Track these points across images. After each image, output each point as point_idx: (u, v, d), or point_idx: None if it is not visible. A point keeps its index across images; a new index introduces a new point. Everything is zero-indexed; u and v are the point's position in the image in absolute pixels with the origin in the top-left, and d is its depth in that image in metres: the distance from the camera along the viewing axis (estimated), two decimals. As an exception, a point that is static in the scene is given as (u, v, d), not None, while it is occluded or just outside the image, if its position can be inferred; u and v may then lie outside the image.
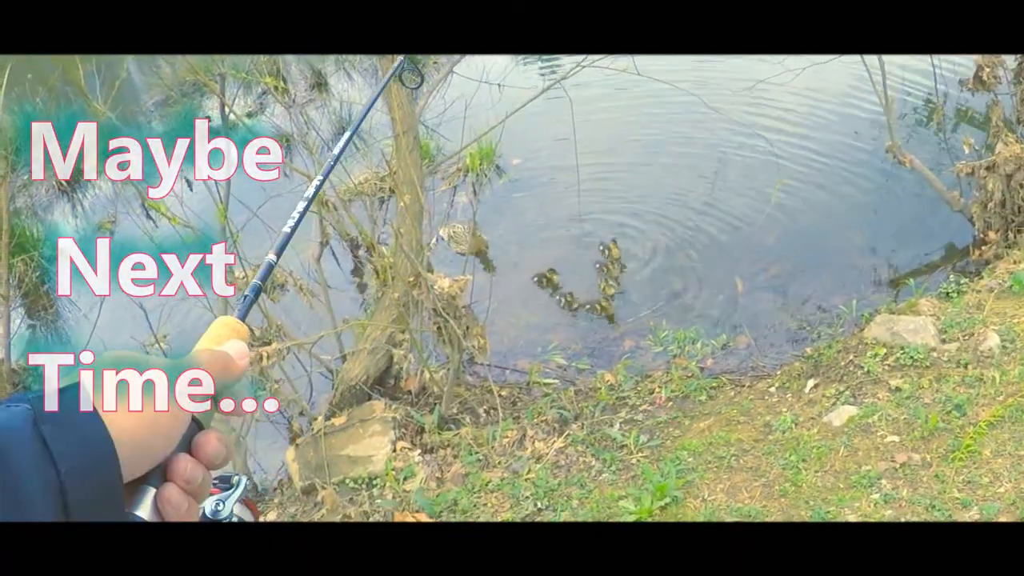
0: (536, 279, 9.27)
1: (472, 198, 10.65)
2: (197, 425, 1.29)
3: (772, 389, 7.29)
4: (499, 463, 7.06)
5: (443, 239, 9.72)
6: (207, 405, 1.30)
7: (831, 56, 8.70)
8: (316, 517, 7.01)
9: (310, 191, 1.94)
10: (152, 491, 1.21)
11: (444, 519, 6.61)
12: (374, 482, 7.17)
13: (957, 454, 5.78)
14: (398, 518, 6.68)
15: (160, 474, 1.22)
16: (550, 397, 7.67)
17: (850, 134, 10.84)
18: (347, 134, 2.09)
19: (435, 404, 7.72)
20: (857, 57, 8.77)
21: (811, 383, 7.15)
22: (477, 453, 7.17)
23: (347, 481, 7.24)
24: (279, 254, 1.80)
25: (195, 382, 1.26)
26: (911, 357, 6.84)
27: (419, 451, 7.35)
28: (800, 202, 9.83)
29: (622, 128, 11.54)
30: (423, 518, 6.63)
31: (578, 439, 7.11)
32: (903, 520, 5.35)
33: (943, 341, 6.99)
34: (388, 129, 8.70)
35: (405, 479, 7.08)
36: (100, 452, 1.11)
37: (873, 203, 9.75)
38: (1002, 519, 5.17)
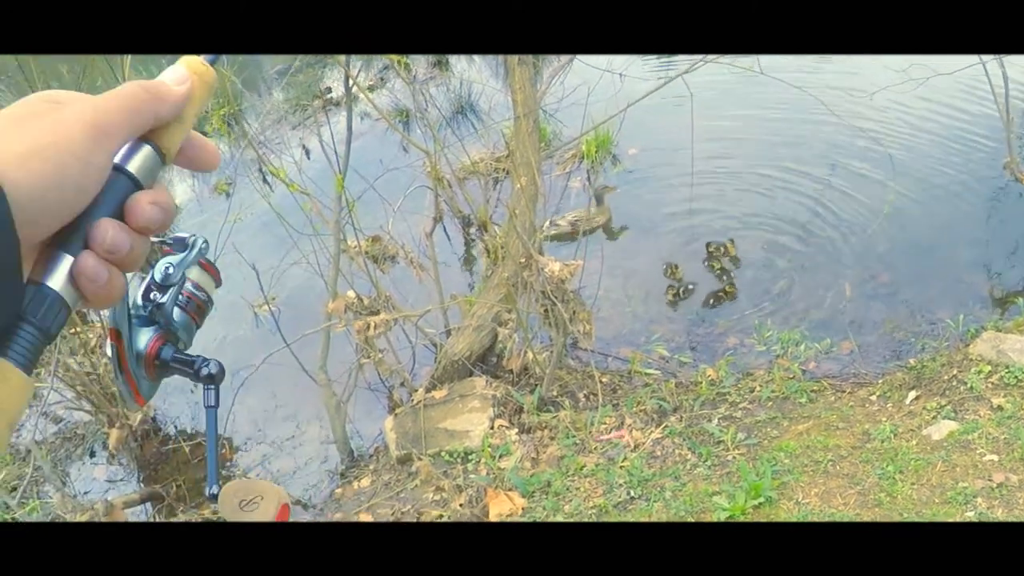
0: (664, 268, 9.26)
1: (586, 184, 10.69)
2: (134, 183, 1.12)
3: (873, 397, 7.27)
4: (595, 448, 7.11)
5: (563, 229, 9.76)
6: (144, 150, 1.14)
7: (955, 67, 8.67)
8: (410, 487, 7.11)
9: None
10: (69, 259, 1.06)
11: (537, 499, 6.67)
12: (469, 457, 7.26)
13: (1056, 478, 5.76)
14: (490, 495, 6.74)
15: (81, 239, 1.07)
16: (650, 387, 7.72)
17: (967, 148, 10.73)
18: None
19: (536, 385, 7.79)
20: (979, 69, 8.67)
21: (912, 394, 7.12)
22: (574, 437, 7.22)
23: (443, 454, 7.33)
24: None
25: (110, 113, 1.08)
26: (1016, 377, 6.80)
27: (516, 430, 7.41)
28: (913, 213, 9.76)
29: (740, 126, 11.49)
30: (515, 496, 6.69)
31: (675, 431, 7.14)
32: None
33: (1049, 363, 6.94)
34: (508, 111, 8.76)
35: (500, 456, 7.16)
36: None
37: (987, 219, 9.65)
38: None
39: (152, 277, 1.31)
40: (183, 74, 1.19)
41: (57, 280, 1.05)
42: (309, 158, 10.99)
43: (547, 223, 8.62)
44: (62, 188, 1.02)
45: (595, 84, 8.57)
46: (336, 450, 8.00)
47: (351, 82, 7.90)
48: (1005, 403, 6.60)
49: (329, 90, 13.31)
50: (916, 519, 5.66)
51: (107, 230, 1.06)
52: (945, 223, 9.64)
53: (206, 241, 1.35)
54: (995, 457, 6.10)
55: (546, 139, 10.63)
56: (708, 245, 9.41)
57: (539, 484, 6.80)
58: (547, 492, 6.73)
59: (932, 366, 7.39)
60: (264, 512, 1.44)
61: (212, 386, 1.47)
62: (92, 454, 8.56)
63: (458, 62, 14.33)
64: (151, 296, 1.33)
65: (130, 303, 1.29)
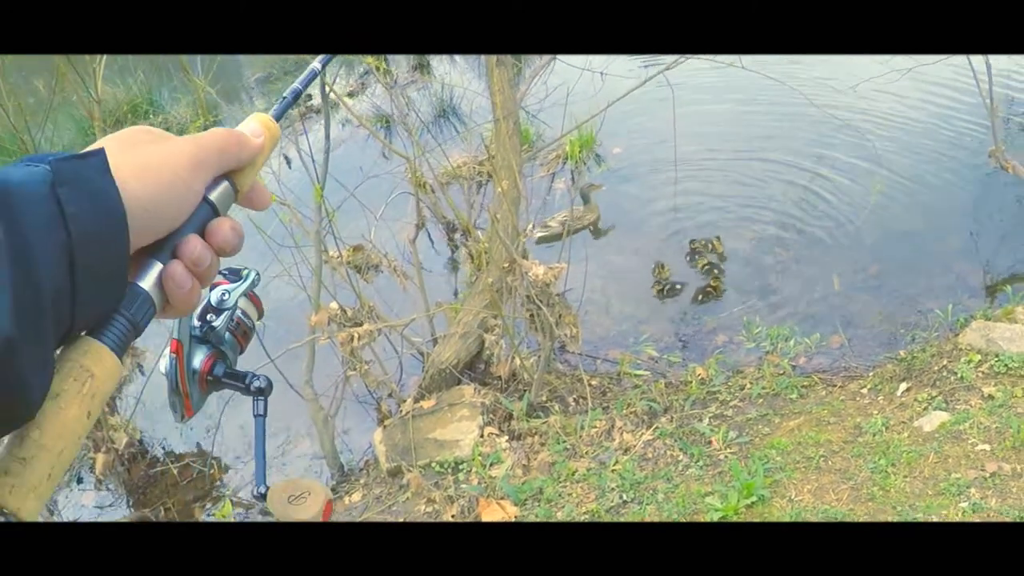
0: (652, 268, 9.21)
1: (570, 185, 10.65)
2: (213, 210, 1.32)
3: (864, 391, 7.23)
4: (586, 453, 7.07)
5: (554, 230, 9.73)
6: (224, 186, 1.34)
7: (938, 57, 8.63)
8: (401, 500, 7.07)
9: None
10: (159, 266, 1.25)
11: (529, 507, 6.63)
12: (460, 467, 7.20)
13: (1049, 466, 5.72)
14: (482, 505, 6.70)
15: (169, 251, 1.26)
16: (640, 389, 7.67)
17: (953, 137, 10.71)
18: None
19: (525, 391, 7.73)
20: (962, 58, 8.65)
21: (903, 386, 7.08)
22: (565, 442, 7.17)
23: (433, 465, 7.27)
24: (324, 65, 1.71)
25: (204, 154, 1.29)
26: (1006, 365, 6.77)
27: (507, 437, 7.37)
28: (900, 204, 9.73)
29: (724, 122, 11.47)
30: (508, 505, 6.65)
31: (666, 432, 7.10)
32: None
33: (1040, 350, 6.90)
34: (488, 113, 8.72)
35: (491, 465, 7.11)
36: (112, 219, 1.13)
37: (973, 208, 9.61)
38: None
39: (208, 300, 1.52)
40: (259, 128, 1.42)
41: (148, 282, 1.24)
42: (290, 167, 10.92)
43: (530, 226, 8.56)
44: (168, 204, 1.23)
45: (575, 83, 8.54)
46: (326, 465, 7.93)
47: (328, 89, 7.86)
48: (996, 392, 6.57)
49: (309, 97, 13.24)
50: (911, 513, 5.62)
51: (195, 245, 1.28)
52: (932, 213, 9.60)
53: (258, 274, 1.62)
54: (987, 447, 6.06)
55: (529, 141, 10.60)
56: (692, 242, 9.36)
57: (531, 491, 6.75)
58: (539, 499, 6.68)
59: (922, 357, 7.36)
60: (311, 507, 1.59)
61: (262, 398, 1.68)
62: (80, 480, 8.49)
63: (439, 64, 14.31)
64: (207, 317, 1.54)
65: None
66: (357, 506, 7.26)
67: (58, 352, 1.15)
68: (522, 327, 8.01)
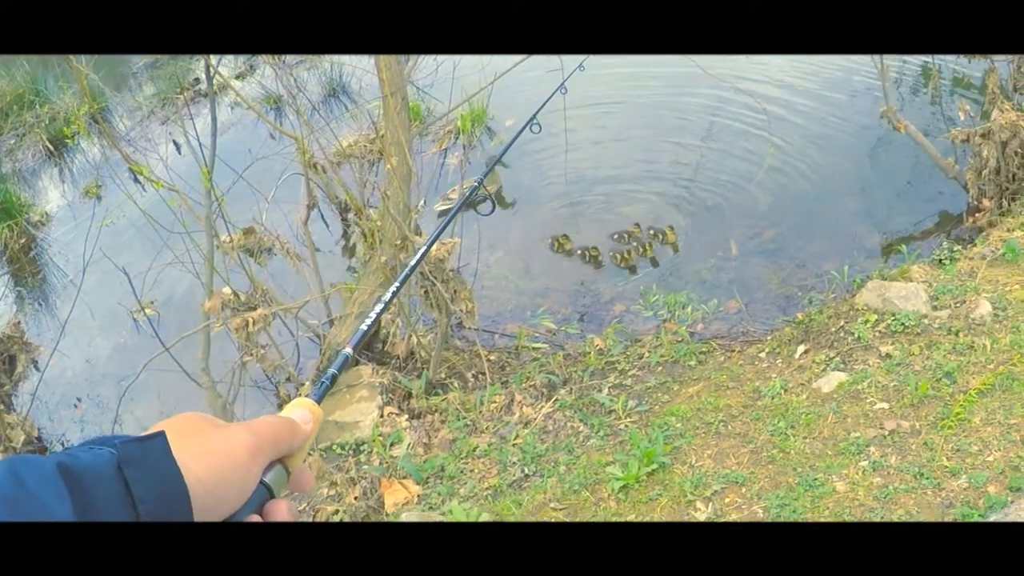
0: (551, 243, 9.19)
1: (463, 160, 10.58)
2: (269, 493, 1.36)
3: (762, 355, 7.25)
4: (487, 428, 7.03)
5: (452, 204, 9.70)
6: (277, 469, 1.39)
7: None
8: (302, 484, 6.98)
9: (388, 295, 2.07)
10: None
11: (431, 485, 6.57)
12: (361, 448, 7.14)
13: (947, 422, 5.73)
14: (384, 485, 6.64)
15: None
16: (539, 362, 7.65)
17: (845, 99, 10.78)
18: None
19: (423, 369, 7.68)
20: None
21: (801, 349, 7.11)
22: (465, 418, 7.13)
23: (334, 447, 7.21)
24: (355, 348, 1.88)
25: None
26: (902, 324, 6.81)
27: (406, 416, 7.32)
28: (794, 167, 9.79)
29: (615, 91, 11.48)
30: (410, 484, 6.60)
31: (566, 404, 7.08)
32: (891, 487, 5.31)
33: (935, 308, 6.94)
34: (378, 90, 8.64)
35: (392, 445, 7.05)
36: (176, 499, 1.17)
37: (867, 169, 9.69)
38: (991, 488, 5.13)
39: None
40: (308, 415, 1.49)
41: None
42: (180, 153, 10.76)
43: (422, 202, 8.48)
44: (228, 487, 1.26)
45: (463, 57, 8.49)
46: (226, 452, 7.83)
47: (212, 72, 7.74)
48: (893, 351, 6.60)
49: (197, 81, 13.06)
50: (811, 473, 5.62)
51: None
52: (827, 176, 9.68)
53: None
54: (885, 405, 6.08)
55: (419, 116, 10.52)
56: (614, 235, 9.28)
57: (433, 469, 6.71)
58: (441, 476, 6.64)
59: (819, 319, 7.38)
60: None
61: None
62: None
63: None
64: None
65: None
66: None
67: None
68: (418, 304, 7.95)
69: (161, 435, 1.20)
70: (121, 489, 1.11)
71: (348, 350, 1.83)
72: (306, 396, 1.56)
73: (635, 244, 9.00)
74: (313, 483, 1.59)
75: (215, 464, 1.24)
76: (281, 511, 1.35)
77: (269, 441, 1.35)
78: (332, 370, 1.75)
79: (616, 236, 9.13)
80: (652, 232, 9.09)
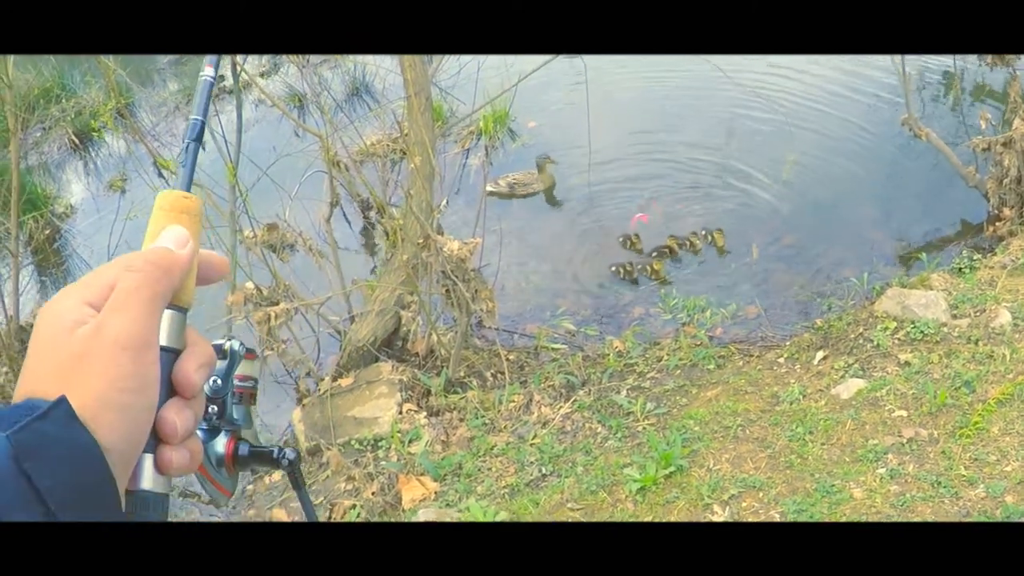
0: (622, 240, 9.20)
1: (485, 161, 10.60)
2: (173, 355, 1.14)
3: (781, 360, 7.26)
4: (505, 427, 7.05)
5: (501, 189, 9.77)
6: (169, 320, 1.15)
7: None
8: (321, 479, 7.01)
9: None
10: (149, 458, 1.11)
11: (449, 482, 6.60)
12: (379, 444, 7.16)
13: (965, 431, 5.75)
14: (402, 481, 6.66)
15: (153, 437, 1.11)
16: (558, 362, 7.66)
17: (867, 107, 10.77)
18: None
19: (442, 367, 7.70)
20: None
21: (820, 355, 7.12)
22: (483, 417, 7.16)
23: (352, 442, 7.23)
24: (204, 115, 1.35)
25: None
26: (921, 332, 6.82)
27: (425, 414, 7.34)
28: (815, 174, 9.79)
29: (638, 95, 11.49)
30: (427, 481, 6.62)
31: (584, 405, 7.10)
32: (908, 495, 5.33)
33: (954, 317, 6.95)
34: (401, 90, 8.66)
35: (410, 441, 7.07)
36: (94, 476, 1.01)
37: (888, 177, 9.68)
38: (1008, 499, 5.15)
39: (204, 393, 1.29)
40: (182, 234, 1.19)
41: (147, 480, 1.12)
42: (204, 149, 10.75)
43: (443, 201, 8.51)
44: (141, 421, 1.08)
45: (486, 58, 8.51)
46: (245, 445, 7.85)
47: (238, 69, 7.77)
48: (912, 358, 6.61)
49: (223, 78, 13.11)
50: (829, 480, 5.64)
51: (171, 421, 1.12)
52: (847, 182, 9.67)
53: (241, 343, 1.52)
54: (904, 413, 6.10)
55: (442, 117, 10.55)
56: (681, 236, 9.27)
57: (450, 467, 6.73)
58: (459, 474, 6.66)
59: (839, 325, 7.39)
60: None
61: (293, 471, 1.73)
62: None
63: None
64: (209, 410, 1.53)
65: None
66: (278, 486, 7.19)
67: None
68: (438, 303, 7.97)
69: (61, 402, 1.00)
70: (24, 485, 0.94)
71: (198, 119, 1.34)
72: (174, 189, 1.25)
73: (686, 243, 9.00)
74: (227, 266, 1.30)
75: (116, 418, 1.04)
76: (188, 376, 1.14)
77: (148, 321, 1.09)
78: (187, 139, 1.31)
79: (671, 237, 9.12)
80: (704, 234, 9.06)
